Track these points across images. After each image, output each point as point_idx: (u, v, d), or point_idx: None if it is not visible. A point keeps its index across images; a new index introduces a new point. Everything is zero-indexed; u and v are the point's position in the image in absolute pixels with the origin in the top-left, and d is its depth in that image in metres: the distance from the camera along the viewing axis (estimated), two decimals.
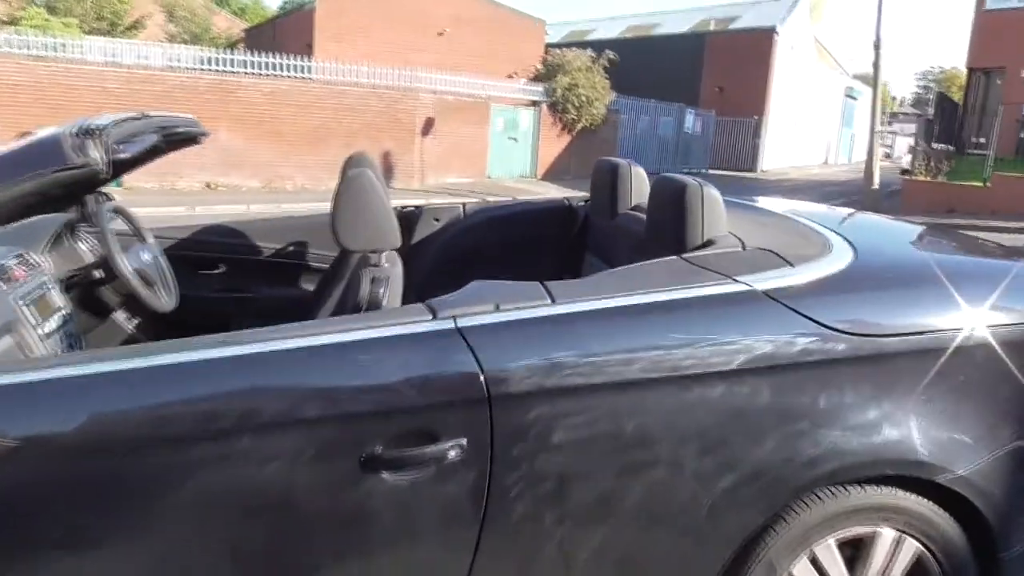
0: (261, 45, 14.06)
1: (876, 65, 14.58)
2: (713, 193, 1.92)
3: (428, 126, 15.19)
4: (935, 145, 15.64)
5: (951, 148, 17.91)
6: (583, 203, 2.96)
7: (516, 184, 16.40)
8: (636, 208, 2.54)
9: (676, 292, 1.58)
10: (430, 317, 1.45)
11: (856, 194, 18.13)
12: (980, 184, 12.99)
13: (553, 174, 17.84)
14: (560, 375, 1.43)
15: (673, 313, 1.56)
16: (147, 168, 2.57)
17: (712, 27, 27.62)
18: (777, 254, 1.78)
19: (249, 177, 13.18)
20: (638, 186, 2.58)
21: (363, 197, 1.72)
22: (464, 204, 2.97)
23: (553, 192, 15.60)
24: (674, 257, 1.78)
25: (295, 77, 13.86)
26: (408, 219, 2.87)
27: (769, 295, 1.60)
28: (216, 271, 2.75)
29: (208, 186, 12.64)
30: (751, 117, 24.95)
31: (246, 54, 13.88)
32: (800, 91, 27.76)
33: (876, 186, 14.56)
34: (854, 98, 35.26)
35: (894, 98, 65.61)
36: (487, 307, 1.48)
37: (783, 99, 26.41)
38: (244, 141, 12.95)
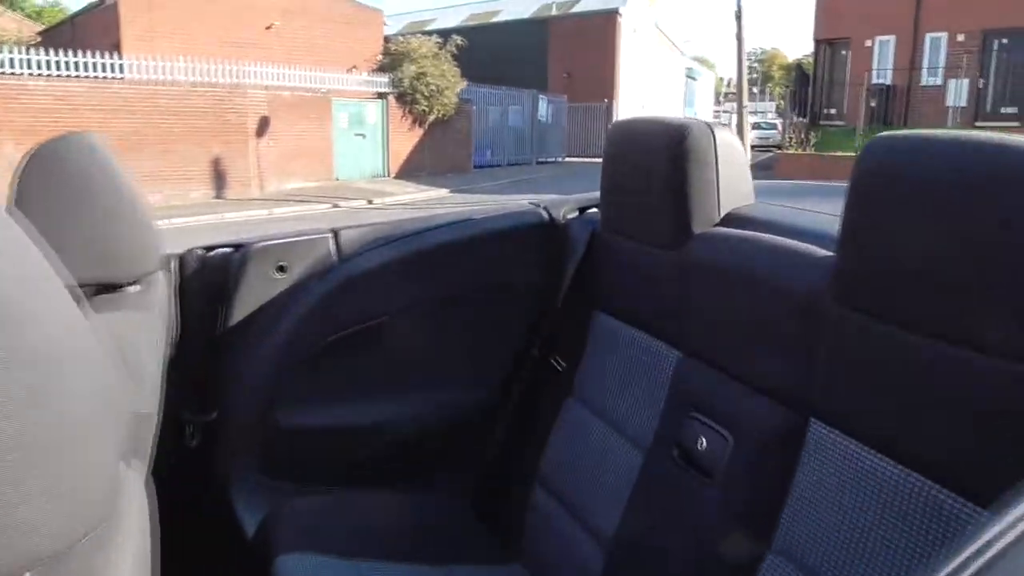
0: (60, 47, 11.87)
1: (739, 37, 14.11)
2: None
3: (263, 126, 13.45)
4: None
5: (804, 120, 17.94)
6: (578, 213, 1.66)
7: (369, 185, 14.92)
8: (732, 222, 1.29)
9: None
10: None
11: None
12: (852, 153, 12.86)
13: (408, 171, 16.48)
14: None
15: None
16: None
17: (554, 11, 27.01)
18: None
19: None
20: (734, 172, 1.32)
21: None
22: (335, 232, 1.58)
23: (410, 192, 14.22)
24: None
25: (95, 78, 11.74)
26: (217, 271, 1.49)
27: None
28: None
29: None
30: (601, 102, 24.47)
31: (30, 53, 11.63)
32: (646, 74, 27.66)
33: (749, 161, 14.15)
34: (694, 79, 35.85)
35: (722, 79, 68.23)
36: None
37: (631, 82, 26.15)
38: None
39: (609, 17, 24.71)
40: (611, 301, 1.48)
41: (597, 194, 1.57)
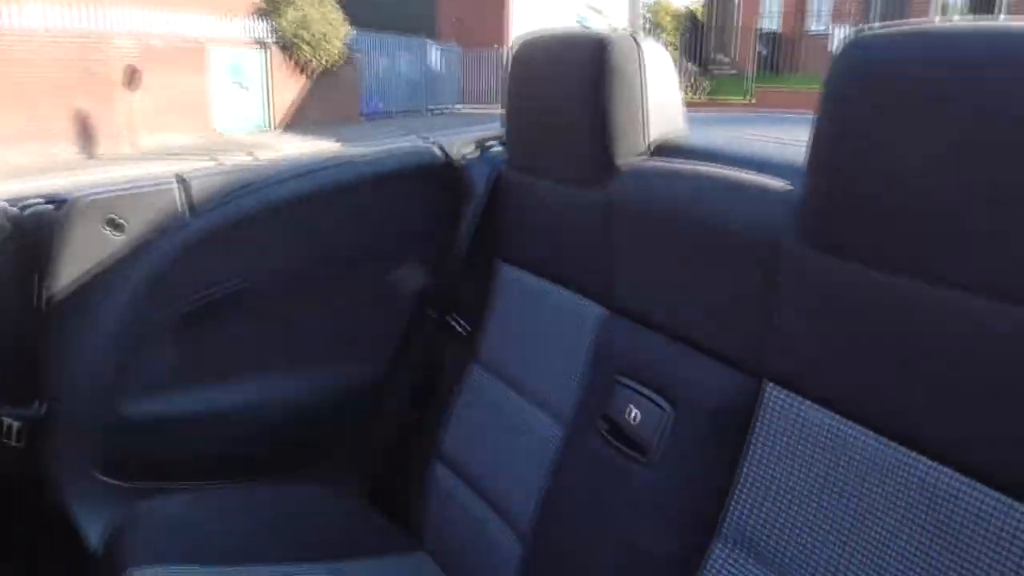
0: None
1: None
2: None
3: (133, 77, 12.53)
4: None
5: (697, 67, 18.11)
6: (479, 150, 1.42)
7: (251, 138, 14.20)
8: (664, 152, 1.09)
9: None
10: None
11: None
12: (744, 99, 13.16)
13: (294, 123, 15.78)
14: None
15: None
16: None
17: None
18: None
19: None
20: (662, 94, 1.11)
21: None
22: (182, 180, 1.29)
23: (296, 144, 13.62)
24: None
25: None
26: (34, 232, 1.21)
27: None
28: None
29: None
30: (492, 47, 24.05)
31: None
32: (538, 20, 27.32)
33: None
34: (586, 26, 35.74)
35: (613, 27, 68.58)
36: None
37: (523, 28, 25.78)
38: None
39: None
40: (520, 251, 1.27)
41: (500, 128, 1.34)
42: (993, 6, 17.83)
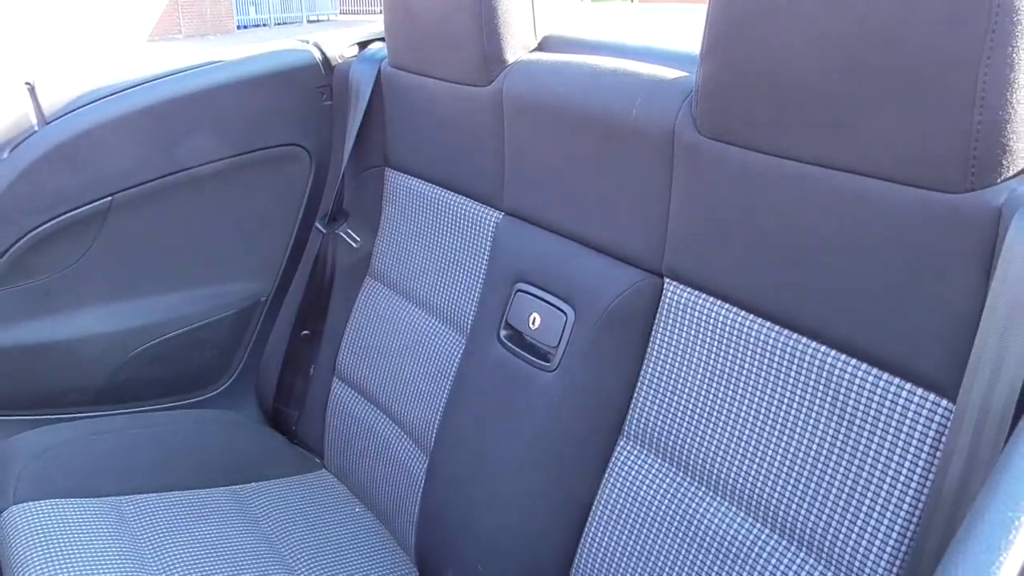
0: None
1: None
2: None
3: None
4: None
5: None
6: (358, 49, 1.33)
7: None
8: (552, 45, 1.05)
9: None
10: None
11: None
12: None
13: (162, 34, 14.77)
14: None
15: None
16: None
17: None
18: None
19: None
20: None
21: None
22: (32, 87, 1.16)
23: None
24: None
25: None
26: None
27: None
28: None
29: None
30: None
31: None
32: None
33: None
34: None
35: None
36: None
37: None
38: None
39: None
40: (408, 156, 1.21)
41: (381, 26, 1.26)
42: None
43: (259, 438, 1.33)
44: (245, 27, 17.31)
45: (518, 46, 1.03)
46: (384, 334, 1.22)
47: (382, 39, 1.30)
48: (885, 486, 0.67)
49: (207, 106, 1.24)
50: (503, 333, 1.01)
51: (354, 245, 1.29)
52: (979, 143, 0.59)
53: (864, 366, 0.70)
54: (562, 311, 0.93)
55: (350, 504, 1.23)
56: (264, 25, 18.10)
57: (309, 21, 19.45)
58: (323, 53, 1.29)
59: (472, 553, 0.99)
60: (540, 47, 1.05)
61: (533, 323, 0.96)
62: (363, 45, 1.32)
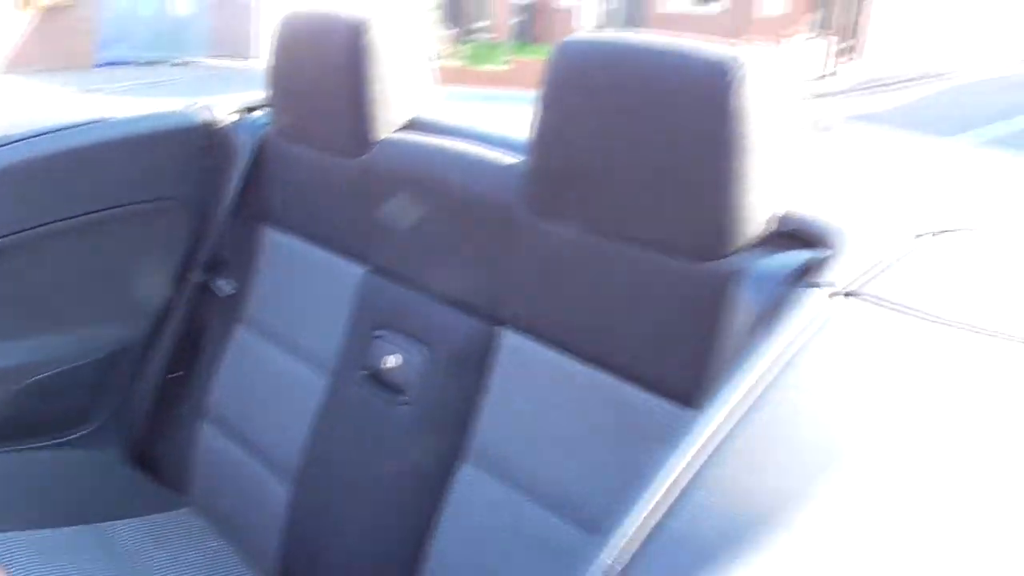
0: None
1: None
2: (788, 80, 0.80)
3: None
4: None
5: (456, 32, 18.38)
6: (244, 114, 1.43)
7: None
8: (416, 127, 1.19)
9: None
10: None
11: None
12: (501, 67, 13.55)
13: (20, 68, 14.05)
14: None
15: None
16: None
17: None
18: None
19: None
20: (414, 72, 1.22)
21: None
22: None
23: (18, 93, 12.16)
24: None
25: None
26: None
27: None
28: None
29: None
30: None
31: None
32: None
33: None
34: None
35: None
36: None
37: None
38: None
39: None
40: (285, 215, 1.33)
41: (264, 93, 1.39)
42: None
43: (126, 477, 1.38)
44: (105, 64, 16.66)
45: (386, 125, 1.18)
46: (253, 376, 1.32)
47: (265, 105, 1.42)
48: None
49: (89, 163, 1.31)
50: (363, 373, 1.14)
51: (227, 293, 1.39)
52: (718, 226, 0.79)
53: (649, 394, 0.88)
54: (416, 352, 1.08)
55: (215, 540, 1.31)
56: (129, 63, 17.48)
57: (173, 64, 18.86)
58: (211, 115, 1.39)
59: None
60: (406, 127, 1.21)
61: (391, 364, 1.10)
62: (251, 109, 1.43)
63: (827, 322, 0.64)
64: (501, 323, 1.02)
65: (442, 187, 1.08)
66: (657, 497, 0.51)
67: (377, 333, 1.13)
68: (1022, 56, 23.50)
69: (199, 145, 1.39)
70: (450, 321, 1.07)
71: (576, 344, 0.94)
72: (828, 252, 0.74)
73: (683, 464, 0.53)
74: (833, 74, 17.12)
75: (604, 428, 0.91)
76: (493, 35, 20.07)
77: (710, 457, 0.53)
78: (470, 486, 1.02)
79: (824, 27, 18.03)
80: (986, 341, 0.62)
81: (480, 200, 1.04)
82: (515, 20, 19.30)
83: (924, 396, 0.58)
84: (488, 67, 13.81)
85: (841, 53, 17.92)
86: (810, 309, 0.64)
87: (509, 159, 1.04)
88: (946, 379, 0.59)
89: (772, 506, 0.49)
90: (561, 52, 0.90)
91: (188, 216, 1.43)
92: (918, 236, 0.78)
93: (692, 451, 0.54)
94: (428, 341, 1.08)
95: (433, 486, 1.03)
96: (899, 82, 16.78)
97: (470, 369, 1.04)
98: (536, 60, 13.69)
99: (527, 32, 20.43)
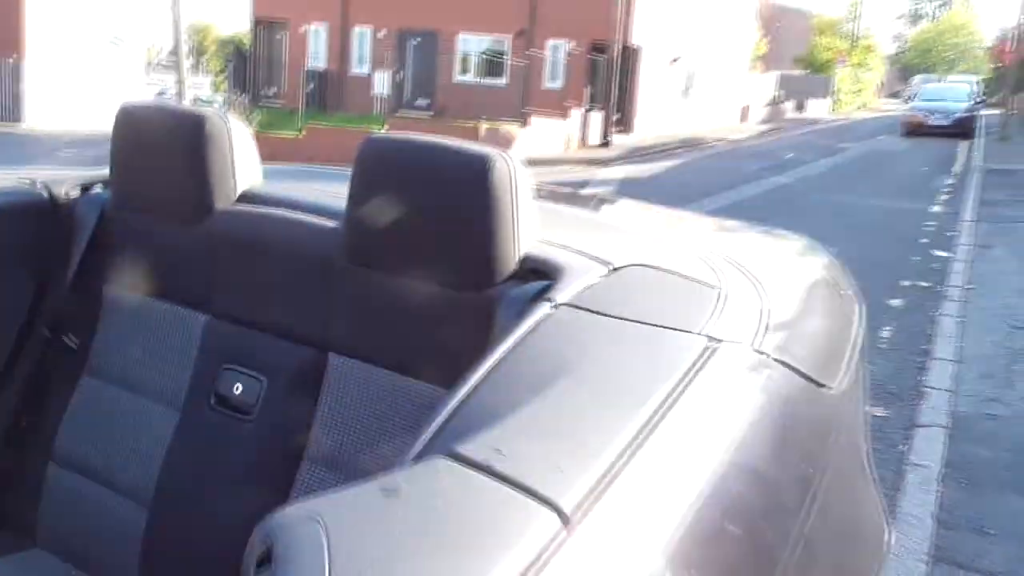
0: None
1: (175, 12, 13.74)
2: (524, 171, 1.16)
3: None
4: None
5: (246, 98, 18.23)
6: (84, 191, 1.60)
7: None
8: (248, 199, 1.45)
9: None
10: None
11: None
12: (295, 134, 13.61)
13: None
14: None
15: None
16: None
17: None
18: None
19: None
20: (245, 158, 1.47)
21: None
22: None
23: None
24: (549, 307, 0.98)
25: None
26: None
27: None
28: None
29: None
30: (9, 57, 21.42)
31: None
32: (62, 34, 24.88)
33: None
34: (120, 44, 33.27)
35: (151, 48, 64.63)
36: None
37: (41, 41, 23.34)
38: None
39: None
40: (129, 276, 1.53)
41: (101, 171, 1.59)
42: (502, 70, 20.95)
43: None
44: None
45: (223, 197, 1.43)
46: (101, 419, 1.47)
47: (103, 183, 1.61)
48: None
49: None
50: (212, 400, 1.37)
51: (73, 347, 1.55)
52: (483, 267, 1.14)
53: (434, 386, 1.18)
54: (259, 379, 1.33)
55: (68, 574, 1.44)
56: None
57: None
58: (51, 191, 1.57)
59: None
60: (240, 199, 1.46)
61: (236, 390, 1.34)
62: (88, 187, 1.61)
63: (546, 322, 0.97)
64: (329, 350, 1.30)
65: (272, 248, 1.35)
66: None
67: (225, 367, 1.37)
68: (756, 130, 26.78)
69: (41, 221, 1.55)
70: (285, 352, 1.32)
71: (385, 358, 1.24)
72: (555, 281, 1.09)
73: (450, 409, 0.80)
74: (607, 144, 18.72)
75: (408, 417, 1.21)
76: (282, 102, 20.10)
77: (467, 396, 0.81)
78: (310, 480, 1.27)
79: (594, 101, 19.65)
80: (646, 329, 0.99)
81: (304, 257, 1.32)
82: (309, 88, 19.45)
83: (601, 355, 0.91)
84: (283, 133, 13.85)
85: (615, 123, 19.62)
86: (538, 316, 0.98)
87: (326, 224, 1.33)
88: (618, 349, 0.94)
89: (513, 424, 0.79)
90: (367, 145, 1.21)
91: (32, 281, 1.57)
92: (615, 269, 1.16)
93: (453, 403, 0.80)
94: (268, 370, 1.33)
95: (279, 484, 1.27)
96: (665, 150, 18.62)
97: (304, 389, 1.30)
98: (327, 128, 14.02)
99: (320, 99, 20.66)
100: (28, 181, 1.58)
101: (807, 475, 0.99)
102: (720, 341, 0.96)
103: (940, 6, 78.09)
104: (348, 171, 1.28)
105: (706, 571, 0.68)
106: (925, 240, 8.53)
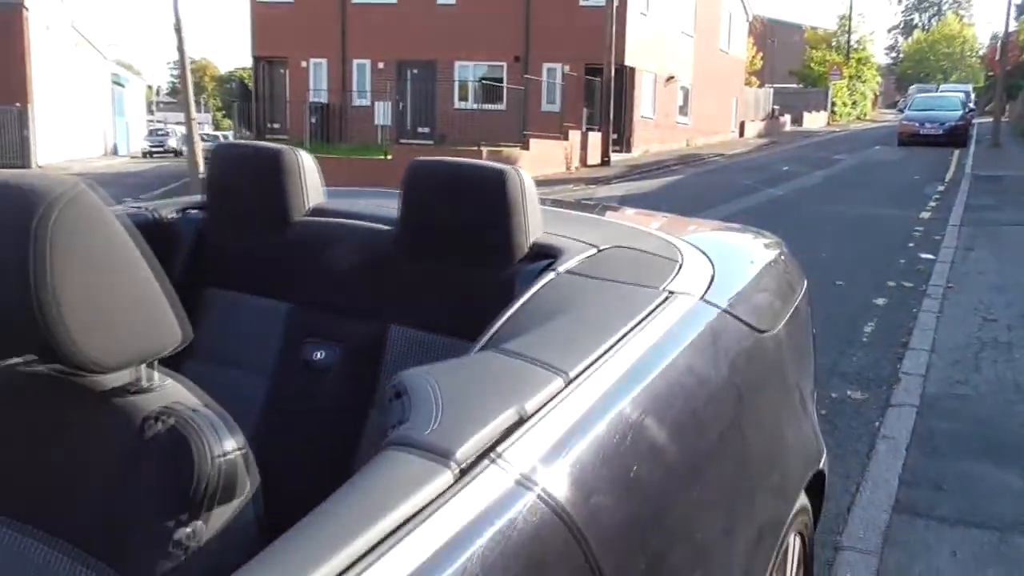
0: None
1: (180, 50, 14.26)
2: (530, 181, 1.57)
3: None
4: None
5: (251, 133, 18.79)
6: (182, 213, 2.02)
7: None
8: (316, 212, 1.85)
9: None
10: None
11: (174, 182, 17.61)
12: None
13: None
14: None
15: None
16: None
17: None
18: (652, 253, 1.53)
19: None
20: (313, 181, 1.88)
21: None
22: None
23: None
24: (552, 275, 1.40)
25: None
26: None
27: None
28: None
29: None
30: (12, 105, 22.07)
31: None
32: (65, 76, 25.56)
33: (203, 174, 14.43)
34: (122, 85, 34.04)
35: (151, 87, 65.73)
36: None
37: (47, 85, 23.95)
38: None
39: (14, 11, 22.22)
40: (222, 277, 1.94)
41: (194, 198, 2.01)
42: (500, 95, 21.44)
43: None
44: None
45: (297, 211, 1.84)
46: (203, 389, 1.87)
47: (199, 207, 2.01)
48: None
49: None
50: (300, 364, 1.77)
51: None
52: (507, 250, 1.53)
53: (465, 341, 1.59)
54: (335, 348, 1.72)
55: None
56: None
57: None
58: (158, 214, 1.98)
59: None
60: (311, 212, 1.86)
61: (318, 356, 1.73)
62: (186, 209, 2.02)
63: (550, 283, 1.37)
64: (388, 322, 1.70)
65: (340, 247, 1.76)
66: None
67: (307, 340, 1.77)
68: (754, 144, 27.23)
69: (150, 236, 1.94)
70: (354, 325, 1.72)
71: (432, 325, 1.63)
72: (557, 259, 1.49)
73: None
74: (607, 163, 19.22)
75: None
76: (286, 136, 20.67)
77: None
78: (378, 422, 1.66)
79: (592, 121, 20.17)
80: (621, 286, 1.40)
81: (365, 251, 1.73)
82: (312, 121, 20.02)
83: (588, 301, 1.32)
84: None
85: (614, 143, 20.13)
86: (544, 280, 1.38)
87: (384, 228, 1.74)
88: (600, 298, 1.34)
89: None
90: (414, 166, 1.61)
91: None
92: (600, 249, 1.56)
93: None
94: (341, 340, 1.73)
95: (355, 427, 1.67)
96: (663, 167, 19.11)
97: (372, 351, 1.69)
98: (335, 159, 14.49)
99: (323, 132, 21.25)
100: (136, 207, 1.99)
101: (741, 390, 1.39)
102: (675, 293, 1.37)
103: (932, 16, 79.15)
104: (384, 190, 1.67)
105: (657, 448, 1.08)
106: (912, 244, 8.93)
